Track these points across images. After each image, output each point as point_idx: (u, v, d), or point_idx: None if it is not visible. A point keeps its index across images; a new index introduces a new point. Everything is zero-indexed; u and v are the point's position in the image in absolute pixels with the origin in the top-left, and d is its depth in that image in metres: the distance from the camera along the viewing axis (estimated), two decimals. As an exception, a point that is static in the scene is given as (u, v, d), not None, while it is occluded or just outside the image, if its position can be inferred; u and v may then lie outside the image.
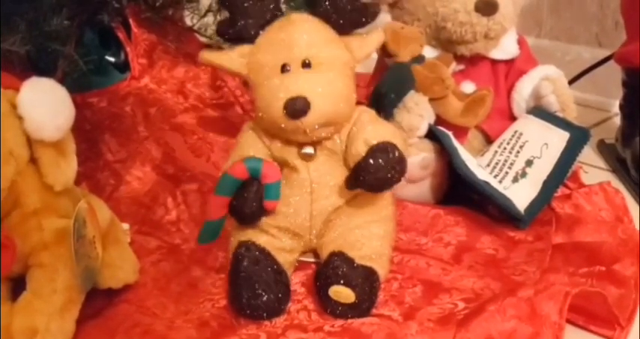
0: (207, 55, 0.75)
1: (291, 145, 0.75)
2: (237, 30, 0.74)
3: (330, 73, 0.72)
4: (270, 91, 0.71)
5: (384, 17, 0.99)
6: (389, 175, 0.70)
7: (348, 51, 0.74)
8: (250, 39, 0.74)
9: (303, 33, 0.73)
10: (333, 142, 0.75)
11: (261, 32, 0.74)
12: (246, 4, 0.74)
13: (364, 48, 0.76)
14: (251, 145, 0.77)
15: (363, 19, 0.75)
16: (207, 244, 0.78)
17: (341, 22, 0.74)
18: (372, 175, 0.70)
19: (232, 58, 0.74)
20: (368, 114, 0.77)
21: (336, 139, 0.75)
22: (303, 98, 0.69)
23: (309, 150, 0.75)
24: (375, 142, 0.72)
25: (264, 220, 0.76)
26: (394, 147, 0.71)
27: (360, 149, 0.72)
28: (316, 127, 0.71)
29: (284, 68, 0.71)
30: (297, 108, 0.69)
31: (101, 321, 0.71)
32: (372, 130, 0.74)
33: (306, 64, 0.71)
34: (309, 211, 0.76)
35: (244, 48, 0.74)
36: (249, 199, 0.72)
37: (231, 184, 0.72)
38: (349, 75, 0.74)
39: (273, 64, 0.72)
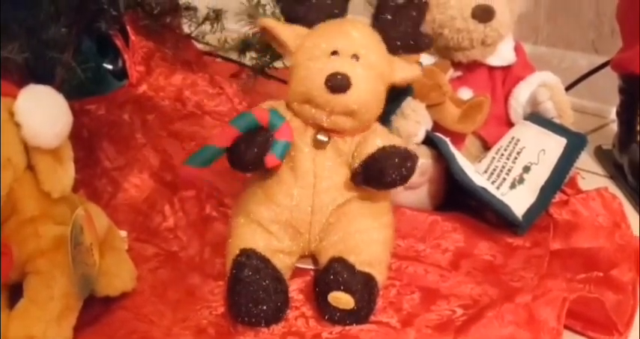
0: (267, 21, 0.78)
1: (307, 130, 0.76)
2: (304, 9, 0.77)
3: (373, 72, 0.74)
4: (317, 65, 0.73)
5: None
6: (398, 172, 0.71)
7: (391, 68, 0.77)
8: (310, 23, 0.77)
9: (360, 33, 0.76)
10: (343, 142, 0.76)
11: (320, 22, 0.77)
12: None
13: (404, 73, 0.78)
14: (277, 108, 0.78)
15: (416, 47, 0.79)
16: (193, 167, 0.77)
17: (397, 42, 0.78)
18: (381, 172, 0.71)
19: (290, 33, 0.76)
20: (383, 129, 0.79)
21: (348, 140, 0.77)
22: (347, 77, 0.71)
23: (323, 137, 0.76)
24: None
25: (266, 216, 0.76)
26: (404, 147, 0.74)
27: (370, 150, 0.74)
28: (347, 110, 0.73)
29: (334, 53, 0.74)
30: (339, 83, 0.71)
31: (98, 328, 0.71)
32: (383, 137, 0.76)
33: (354, 56, 0.74)
34: (310, 204, 0.76)
35: (302, 29, 0.77)
36: (255, 143, 0.72)
37: (248, 122, 0.73)
38: (384, 86, 0.76)
39: (325, 49, 0.74)
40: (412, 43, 0.79)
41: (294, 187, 0.76)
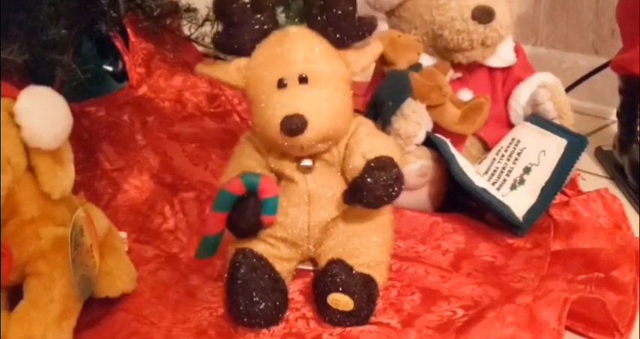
0: (203, 68, 0.75)
1: (289, 157, 0.75)
2: (233, 42, 0.74)
3: (327, 89, 0.71)
4: (266, 107, 0.71)
5: (381, 26, 1.00)
6: (386, 193, 0.70)
7: (345, 64, 0.74)
8: (246, 52, 0.74)
9: (299, 47, 0.72)
10: (330, 154, 0.76)
11: (257, 45, 0.74)
12: (242, 16, 0.73)
13: (361, 61, 0.75)
14: (248, 157, 0.77)
15: (360, 33, 0.75)
16: (205, 259, 0.78)
17: (338, 36, 0.74)
18: (369, 193, 0.70)
19: (229, 71, 0.74)
20: (365, 126, 0.77)
21: (334, 151, 0.76)
22: (300, 116, 0.69)
23: (307, 162, 0.75)
24: (372, 156, 0.72)
25: (262, 231, 0.76)
26: (392, 163, 0.71)
27: (357, 163, 0.72)
28: (313, 143, 0.71)
29: (280, 83, 0.71)
30: (293, 127, 0.69)
31: (98, 330, 0.71)
32: (369, 143, 0.74)
33: (302, 79, 0.71)
34: (306, 221, 0.76)
35: (241, 61, 0.74)
36: (247, 214, 0.72)
37: (229, 200, 0.72)
38: (346, 89, 0.74)
39: (270, 79, 0.71)
40: (355, 30, 0.74)
41: (289, 206, 0.76)
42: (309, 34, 0.74)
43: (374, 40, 0.78)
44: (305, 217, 0.76)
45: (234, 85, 0.75)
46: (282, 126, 0.69)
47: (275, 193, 0.74)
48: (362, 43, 0.76)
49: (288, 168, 0.75)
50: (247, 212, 0.72)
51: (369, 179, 0.70)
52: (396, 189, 0.70)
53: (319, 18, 0.74)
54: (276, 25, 0.75)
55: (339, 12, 0.73)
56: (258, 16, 0.73)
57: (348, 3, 0.74)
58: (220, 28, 0.75)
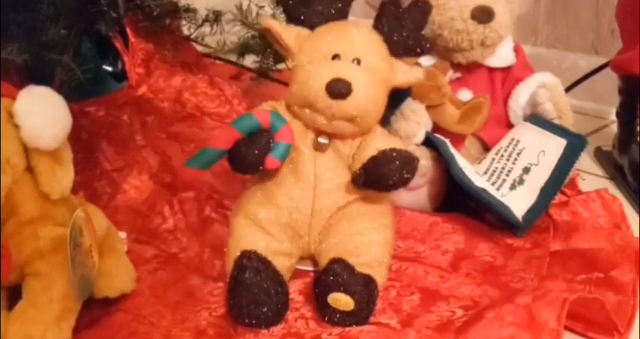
0: (269, 21, 0.77)
1: (307, 132, 0.76)
2: (303, 12, 0.77)
3: (375, 79, 0.74)
4: (317, 69, 0.73)
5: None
6: (400, 169, 0.71)
7: (393, 72, 0.77)
8: (310, 26, 0.77)
9: (362, 36, 0.76)
10: (344, 145, 0.77)
11: (322, 25, 0.77)
12: None
13: (406, 77, 0.78)
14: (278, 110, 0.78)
15: (416, 50, 0.79)
16: (193, 169, 0.76)
17: (398, 46, 0.78)
18: (384, 167, 0.71)
19: (291, 34, 0.76)
20: (381, 130, 0.79)
21: (348, 143, 0.77)
22: (348, 82, 0.71)
23: (324, 140, 0.76)
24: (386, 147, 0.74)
25: (267, 216, 0.76)
26: (407, 150, 0.73)
27: (371, 153, 0.74)
28: (347, 115, 0.73)
29: (335, 57, 0.74)
30: (340, 89, 0.71)
31: (98, 330, 0.71)
32: (383, 140, 0.76)
33: (356, 61, 0.74)
34: (310, 206, 0.76)
35: (304, 30, 0.77)
36: (257, 145, 0.72)
37: (250, 125, 0.73)
38: (385, 90, 0.76)
39: (327, 52, 0.74)
40: (414, 46, 0.79)
41: (295, 188, 0.76)
42: (371, 31, 0.78)
43: (420, 69, 0.81)
44: (309, 203, 0.76)
45: (287, 44, 0.76)
46: (328, 86, 0.71)
47: (291, 141, 0.75)
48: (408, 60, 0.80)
49: (304, 143, 0.76)
50: (258, 143, 0.72)
51: (383, 161, 0.72)
52: (409, 170, 0.72)
53: (388, 22, 0.78)
54: (346, 15, 0.79)
55: (410, 23, 0.78)
56: (336, 1, 0.78)
57: (422, 18, 0.79)
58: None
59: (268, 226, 0.77)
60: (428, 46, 0.80)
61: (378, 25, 0.78)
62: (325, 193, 0.76)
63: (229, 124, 0.74)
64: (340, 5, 0.78)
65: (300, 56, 0.76)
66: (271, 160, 0.73)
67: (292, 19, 0.78)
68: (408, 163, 0.72)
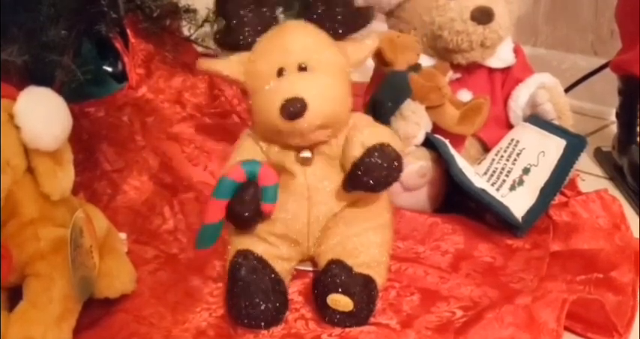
0: (204, 63, 0.76)
1: (289, 150, 0.75)
2: (235, 38, 0.75)
3: (326, 76, 0.72)
4: (266, 94, 0.71)
5: (381, 26, 1.00)
6: (386, 173, 0.70)
7: (343, 56, 0.75)
8: (247, 46, 0.75)
9: (298, 38, 0.73)
10: (329, 147, 0.76)
11: (257, 40, 0.75)
12: (242, 13, 0.74)
13: (359, 53, 0.76)
14: (249, 150, 0.77)
15: (358, 24, 0.76)
16: (205, 249, 0.77)
17: (335, 27, 0.75)
18: (369, 173, 0.70)
19: (230, 66, 0.75)
20: (363, 119, 0.77)
21: (333, 143, 0.75)
22: (299, 99, 0.69)
23: (306, 154, 0.75)
24: (371, 143, 0.72)
25: (262, 227, 0.76)
26: (390, 146, 0.71)
27: (356, 152, 0.72)
28: (313, 128, 0.71)
29: (280, 72, 0.72)
30: (293, 109, 0.69)
31: (98, 331, 0.71)
32: (368, 133, 0.74)
33: (302, 68, 0.72)
34: (306, 216, 0.76)
35: (242, 55, 0.75)
36: (247, 201, 0.71)
37: (229, 187, 0.72)
38: (345, 79, 0.74)
39: (270, 69, 0.72)
40: (351, 21, 0.75)
41: (288, 201, 0.76)
42: (307, 26, 0.75)
43: (372, 36, 0.78)
44: (305, 213, 0.76)
45: (234, 78, 0.75)
46: (282, 110, 0.69)
47: (275, 180, 0.74)
48: (360, 36, 0.77)
49: (288, 161, 0.75)
50: (247, 199, 0.71)
51: (367, 160, 0.70)
52: (394, 168, 0.70)
53: (317, 10, 0.75)
54: (276, 21, 0.76)
55: (336, 3, 0.75)
56: (258, 12, 0.75)
57: None
58: (221, 25, 0.75)
59: (265, 235, 0.76)
60: (367, 14, 0.76)
61: (309, 17, 0.75)
62: (320, 202, 0.76)
63: (211, 197, 0.73)
64: (267, 13, 0.75)
65: (248, 84, 0.74)
66: (266, 206, 0.73)
67: (227, 48, 0.76)
68: (392, 161, 0.70)
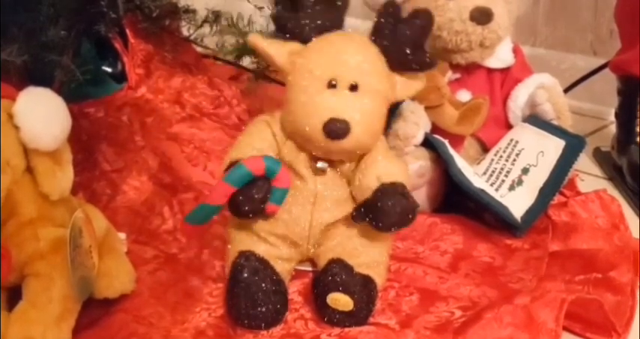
0: (257, 40, 0.74)
1: (304, 152, 0.75)
2: (294, 25, 0.73)
3: (374, 104, 0.71)
4: (314, 104, 0.70)
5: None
6: (402, 220, 0.70)
7: (391, 87, 0.74)
8: (301, 39, 0.73)
9: (358, 54, 0.72)
10: (343, 165, 0.75)
11: (315, 37, 0.73)
12: (313, 4, 0.73)
13: (406, 91, 0.76)
14: (263, 139, 0.75)
15: (416, 66, 0.75)
16: (193, 225, 0.76)
17: (397, 59, 0.74)
18: (386, 217, 0.70)
19: (282, 51, 0.73)
20: (382, 146, 0.77)
21: (347, 163, 0.76)
22: (345, 122, 0.69)
23: (323, 165, 0.74)
24: (387, 180, 0.71)
25: (262, 227, 0.76)
26: (407, 193, 0.71)
27: (371, 184, 0.72)
28: (347, 151, 0.71)
29: (330, 84, 0.70)
30: (337, 131, 0.69)
31: (97, 330, 0.71)
32: (384, 166, 0.74)
33: (353, 87, 0.70)
34: (308, 220, 0.76)
35: (295, 46, 0.73)
36: (255, 196, 0.70)
37: (244, 176, 0.70)
38: (385, 109, 0.74)
39: (321, 76, 0.70)
40: (413, 62, 0.74)
41: (293, 204, 0.76)
42: (369, 45, 0.73)
43: (421, 77, 0.77)
44: (307, 217, 0.76)
45: (280, 65, 0.73)
46: (325, 127, 0.69)
47: (288, 185, 0.73)
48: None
49: (302, 165, 0.75)
50: (256, 194, 0.70)
51: (389, 203, 0.69)
52: (411, 218, 0.70)
53: (388, 34, 0.74)
54: (340, 26, 0.75)
55: (411, 37, 0.74)
56: (328, 9, 0.74)
57: (423, 32, 0.74)
58: (281, 7, 0.74)
59: (265, 235, 0.76)
60: (429, 62, 0.75)
61: (376, 38, 0.74)
62: (324, 209, 0.76)
63: (221, 179, 0.71)
64: (334, 15, 0.74)
65: (293, 76, 0.73)
66: (270, 207, 0.73)
67: (283, 31, 0.74)
68: (408, 211, 0.70)
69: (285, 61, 0.73)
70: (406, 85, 0.76)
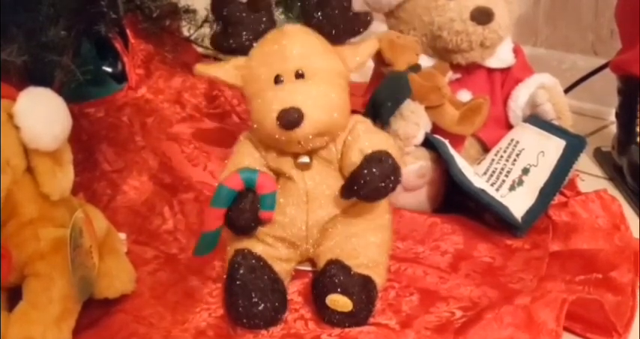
0: (201, 68, 0.76)
1: (287, 155, 0.75)
2: (232, 42, 0.75)
3: (323, 84, 0.72)
4: (263, 103, 0.72)
5: (380, 27, 1.00)
6: (383, 185, 0.70)
7: (341, 61, 0.75)
8: (244, 51, 0.75)
9: (295, 44, 0.73)
10: (328, 151, 0.76)
11: (255, 44, 0.75)
12: (240, 16, 0.75)
13: (357, 57, 0.76)
14: (247, 155, 0.77)
15: (356, 28, 0.76)
16: (204, 256, 0.78)
17: (333, 32, 0.75)
18: (366, 185, 0.70)
19: (227, 70, 0.75)
20: (363, 124, 0.77)
21: (332, 148, 0.76)
22: (296, 109, 0.69)
23: (305, 159, 0.75)
24: (369, 151, 0.72)
25: (261, 229, 0.76)
26: (388, 156, 0.71)
27: (355, 159, 0.72)
28: (310, 137, 0.71)
29: (277, 79, 0.72)
30: (290, 119, 0.69)
31: (97, 331, 0.71)
32: (367, 139, 0.74)
33: (299, 75, 0.72)
34: (304, 220, 0.76)
35: (239, 60, 0.75)
36: (245, 210, 0.72)
37: (227, 195, 0.72)
38: (342, 85, 0.74)
39: (267, 76, 0.72)
40: (350, 26, 0.76)
41: (287, 205, 0.76)
42: (305, 31, 0.75)
43: (370, 38, 0.78)
44: (303, 216, 0.76)
45: (232, 83, 0.75)
46: (279, 119, 0.70)
47: (273, 188, 0.74)
48: (359, 40, 0.77)
49: (287, 166, 0.76)
50: (245, 208, 0.72)
51: (365, 171, 0.70)
52: (392, 180, 0.70)
53: (314, 15, 0.75)
54: (273, 24, 0.76)
55: (334, 8, 0.75)
56: (256, 15, 0.75)
57: None
58: (218, 28, 0.75)
59: (263, 237, 0.76)
60: (365, 19, 0.76)
61: (307, 21, 0.76)
62: (319, 207, 0.76)
63: (208, 205, 0.73)
64: (265, 16, 0.75)
65: (246, 89, 0.74)
66: (264, 214, 0.74)
67: (225, 52, 0.76)
68: (390, 172, 0.70)
69: (234, 77, 0.75)
70: (357, 52, 0.76)
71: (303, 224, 0.76)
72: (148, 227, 0.90)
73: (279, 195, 0.75)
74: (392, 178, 0.70)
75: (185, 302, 0.76)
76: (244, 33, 0.75)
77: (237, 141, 0.79)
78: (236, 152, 0.78)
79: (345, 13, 0.76)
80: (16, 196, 0.67)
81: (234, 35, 0.75)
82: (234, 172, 0.73)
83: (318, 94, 0.71)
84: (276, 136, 0.71)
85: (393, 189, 0.71)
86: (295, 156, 0.75)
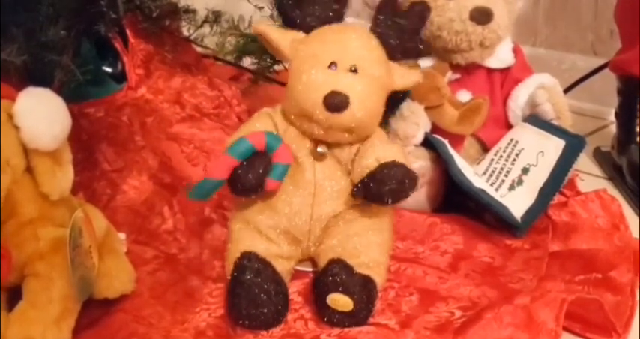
0: (262, 27, 0.77)
1: (304, 140, 0.76)
2: (297, 15, 0.76)
3: (373, 86, 0.74)
4: (313, 80, 0.72)
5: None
6: (397, 188, 0.71)
7: (390, 76, 0.76)
8: (306, 28, 0.76)
9: (359, 41, 0.75)
10: (342, 151, 0.76)
11: (317, 28, 0.76)
12: None
13: (404, 80, 0.78)
14: (264, 125, 0.77)
15: (413, 53, 0.79)
16: (196, 201, 0.77)
17: (395, 47, 0.77)
18: (383, 184, 0.70)
19: (285, 38, 0.76)
20: (380, 135, 0.79)
21: (346, 150, 0.76)
22: (345, 95, 0.71)
23: (322, 149, 0.76)
24: (386, 160, 0.73)
25: (264, 222, 0.76)
26: (405, 166, 0.72)
27: (370, 164, 0.73)
28: (344, 127, 0.72)
29: (331, 65, 0.73)
30: (336, 102, 0.70)
31: (97, 330, 0.71)
32: (383, 149, 0.75)
33: (353, 70, 0.73)
34: (309, 213, 0.76)
35: (298, 34, 0.76)
36: (256, 169, 0.71)
37: (246, 150, 0.72)
38: (382, 96, 0.76)
39: (323, 58, 0.73)
40: (412, 50, 0.79)
41: (294, 195, 0.76)
42: (369, 35, 0.77)
43: (418, 71, 0.81)
44: (308, 209, 0.76)
45: (282, 51, 0.76)
46: (325, 99, 0.71)
47: (289, 161, 0.74)
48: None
49: (302, 151, 0.76)
50: (257, 167, 0.71)
51: (385, 171, 0.71)
52: (406, 187, 0.71)
53: (386, 25, 0.77)
54: (341, 19, 0.78)
55: (408, 25, 0.78)
56: (330, 2, 0.77)
57: (420, 21, 0.79)
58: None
59: (266, 231, 0.77)
60: (424, 49, 0.80)
61: (375, 28, 0.78)
62: (325, 201, 0.76)
63: (224, 152, 0.73)
64: (336, 7, 0.77)
65: (295, 62, 0.75)
66: (270, 182, 0.73)
67: (286, 21, 0.77)
68: (406, 180, 0.71)
69: (289, 47, 0.75)
70: (404, 75, 0.78)
71: (307, 217, 0.76)
72: (147, 227, 0.90)
73: (287, 183, 0.75)
74: (406, 185, 0.71)
75: (185, 302, 0.76)
76: (314, 11, 0.76)
77: (257, 113, 0.79)
78: (252, 120, 0.78)
79: (415, 34, 0.79)
80: (15, 196, 0.67)
81: (303, 10, 0.76)
82: (262, 132, 0.73)
83: (367, 88, 0.73)
84: (315, 115, 0.72)
85: (405, 197, 0.72)
86: (313, 143, 0.76)
